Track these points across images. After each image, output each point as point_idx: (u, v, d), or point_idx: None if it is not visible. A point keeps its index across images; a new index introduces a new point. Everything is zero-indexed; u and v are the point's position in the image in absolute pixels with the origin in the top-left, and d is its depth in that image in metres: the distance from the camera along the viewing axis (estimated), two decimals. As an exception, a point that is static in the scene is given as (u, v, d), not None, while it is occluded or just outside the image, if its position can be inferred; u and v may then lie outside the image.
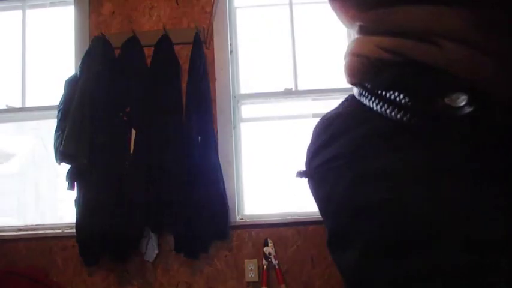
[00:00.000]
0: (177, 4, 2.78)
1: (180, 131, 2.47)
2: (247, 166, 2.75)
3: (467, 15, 0.41)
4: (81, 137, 2.41)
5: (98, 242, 2.41)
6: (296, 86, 2.81)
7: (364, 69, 0.50)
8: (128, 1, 2.81)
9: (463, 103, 0.40)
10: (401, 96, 0.43)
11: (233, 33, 2.85)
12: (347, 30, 2.85)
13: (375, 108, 0.46)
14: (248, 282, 2.55)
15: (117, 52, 2.63)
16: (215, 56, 2.72)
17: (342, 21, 0.57)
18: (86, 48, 2.66)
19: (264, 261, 2.52)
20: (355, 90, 0.53)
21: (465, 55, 0.41)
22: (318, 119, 0.58)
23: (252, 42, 2.92)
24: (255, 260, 2.55)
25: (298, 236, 2.57)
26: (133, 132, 2.50)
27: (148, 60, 2.61)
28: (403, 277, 0.36)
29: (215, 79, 2.69)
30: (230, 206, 2.53)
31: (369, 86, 0.48)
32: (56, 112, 2.60)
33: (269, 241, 2.54)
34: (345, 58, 0.55)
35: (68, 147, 2.40)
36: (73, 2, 2.85)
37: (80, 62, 2.60)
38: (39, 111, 2.91)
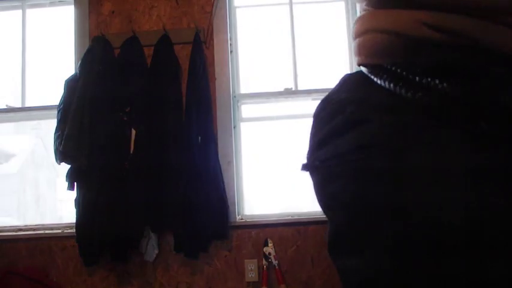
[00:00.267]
0: (177, 4, 2.78)
1: (180, 131, 2.47)
2: (247, 166, 2.75)
3: None
4: (81, 137, 2.41)
5: (97, 242, 2.41)
6: (296, 86, 2.81)
7: (394, 48, 0.42)
8: (128, 1, 2.81)
9: None
10: (450, 84, 0.36)
11: (233, 33, 2.85)
12: (347, 30, 2.85)
13: (404, 94, 0.39)
14: (248, 282, 2.55)
15: (117, 52, 2.63)
16: (215, 56, 2.72)
17: None
18: (86, 48, 2.65)
19: (264, 261, 2.52)
20: (364, 71, 0.46)
21: None
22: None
23: (252, 42, 2.92)
24: (255, 260, 2.55)
25: (298, 236, 2.57)
26: (133, 132, 2.50)
27: (148, 60, 2.61)
28: (445, 279, 0.34)
29: (215, 79, 2.69)
30: (230, 206, 2.53)
31: (397, 69, 0.41)
32: (55, 112, 2.59)
33: (269, 241, 2.54)
34: (358, 35, 0.48)
35: (67, 147, 2.40)
36: (73, 2, 2.84)
37: (79, 62, 2.60)
38: (39, 111, 2.91)
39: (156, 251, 2.53)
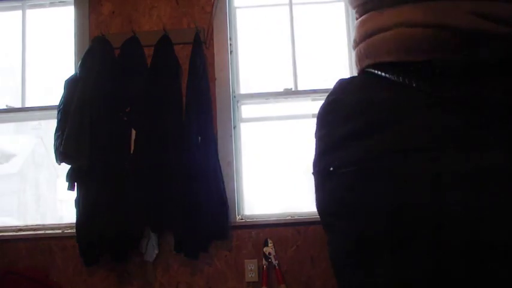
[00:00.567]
0: (177, 4, 2.78)
1: (180, 131, 2.48)
2: (247, 166, 2.75)
3: None
4: (81, 137, 2.41)
5: (98, 242, 2.41)
6: (296, 86, 2.81)
7: (439, 43, 0.38)
8: (128, 1, 2.81)
9: None
10: None
11: (233, 33, 2.85)
12: (347, 31, 2.85)
13: (450, 95, 0.36)
14: (248, 282, 2.55)
15: (117, 52, 2.63)
16: (215, 56, 2.72)
17: None
18: (86, 48, 2.66)
19: (264, 261, 2.52)
20: (376, 71, 0.42)
21: None
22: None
23: (252, 42, 2.92)
24: (255, 260, 2.55)
25: (298, 236, 2.57)
26: (133, 132, 2.50)
27: (149, 60, 2.61)
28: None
29: (215, 79, 2.69)
30: (230, 206, 2.53)
31: (447, 66, 0.37)
32: (56, 112, 2.60)
33: (269, 241, 2.54)
34: (366, 37, 0.44)
35: (68, 147, 2.40)
36: (73, 2, 2.85)
37: (80, 62, 2.60)
38: (39, 111, 2.91)
39: (156, 251, 2.53)
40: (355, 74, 0.52)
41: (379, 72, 0.43)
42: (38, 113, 2.94)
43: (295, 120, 2.82)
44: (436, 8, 0.38)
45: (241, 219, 2.65)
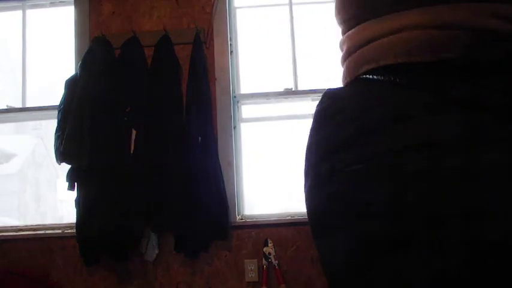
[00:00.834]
0: (177, 4, 2.78)
1: (180, 131, 2.48)
2: (247, 166, 2.76)
3: None
4: (81, 137, 2.42)
5: (98, 242, 2.41)
6: (296, 86, 2.81)
7: (447, 42, 0.38)
8: (128, 1, 2.81)
9: None
10: None
11: (233, 33, 2.85)
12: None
13: (470, 95, 0.36)
14: (248, 282, 2.55)
15: (117, 52, 2.63)
16: (215, 56, 2.72)
17: None
18: (86, 48, 2.66)
19: (264, 261, 2.52)
20: (378, 76, 0.42)
21: None
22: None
23: (252, 42, 2.93)
24: (255, 260, 2.55)
25: (298, 236, 2.57)
26: (134, 132, 2.50)
27: (149, 61, 2.61)
28: None
29: (215, 79, 2.70)
30: (230, 206, 2.53)
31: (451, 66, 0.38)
32: (56, 112, 2.60)
33: (269, 241, 2.54)
34: (361, 46, 0.44)
35: (68, 147, 2.40)
36: (73, 2, 2.85)
37: (80, 62, 2.60)
38: (40, 111, 2.91)
39: (156, 251, 2.53)
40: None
41: (379, 77, 0.42)
42: (38, 113, 2.94)
43: (295, 120, 2.82)
44: (445, 10, 0.39)
45: (241, 219, 2.65)
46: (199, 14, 2.76)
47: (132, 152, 2.48)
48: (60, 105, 2.58)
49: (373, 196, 0.38)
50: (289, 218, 2.60)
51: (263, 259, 2.53)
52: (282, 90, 2.79)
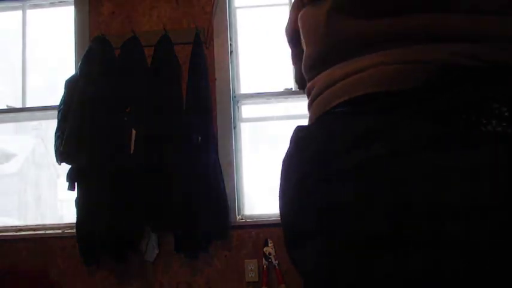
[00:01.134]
0: (177, 4, 2.78)
1: (180, 131, 2.48)
2: (247, 166, 2.76)
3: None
4: (81, 137, 2.42)
5: (98, 242, 2.41)
6: (296, 86, 2.81)
7: (415, 75, 0.43)
8: (128, 1, 2.81)
9: None
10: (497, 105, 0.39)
11: (233, 33, 2.85)
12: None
13: (420, 109, 0.41)
14: (248, 282, 2.55)
15: (117, 52, 2.63)
16: (215, 56, 2.72)
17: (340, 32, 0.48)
18: (86, 48, 2.66)
19: (264, 261, 2.52)
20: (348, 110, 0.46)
21: None
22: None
23: (252, 43, 2.93)
24: (255, 260, 2.55)
25: (298, 236, 2.56)
26: (134, 132, 2.50)
27: (149, 61, 2.61)
28: None
29: (215, 79, 2.70)
30: (230, 206, 2.53)
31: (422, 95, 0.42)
32: (56, 112, 2.60)
33: (269, 241, 2.54)
34: (357, 73, 0.47)
35: (68, 147, 2.40)
36: (73, 2, 2.85)
37: (80, 62, 2.61)
38: (40, 111, 2.92)
39: (156, 251, 2.53)
40: None
41: (345, 108, 0.47)
42: (38, 113, 2.95)
43: (295, 120, 2.82)
44: (408, 50, 0.43)
45: (241, 219, 2.65)
46: (199, 14, 2.76)
47: (132, 152, 2.48)
48: (60, 105, 2.59)
49: (340, 197, 0.43)
50: (289, 218, 2.59)
51: (263, 259, 2.53)
52: (282, 90, 2.79)
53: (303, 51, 0.57)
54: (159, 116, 2.49)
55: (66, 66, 2.84)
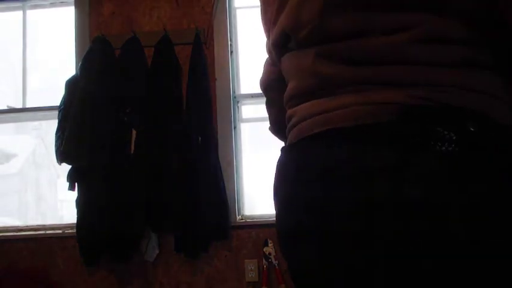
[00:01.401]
0: (178, 5, 2.78)
1: (180, 131, 2.48)
2: (247, 166, 2.76)
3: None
4: (81, 138, 2.42)
5: (98, 242, 2.41)
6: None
7: (386, 113, 0.54)
8: (128, 2, 2.81)
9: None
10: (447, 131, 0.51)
11: (233, 33, 2.85)
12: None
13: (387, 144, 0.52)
14: (248, 282, 2.55)
15: (117, 53, 2.63)
16: (215, 56, 2.72)
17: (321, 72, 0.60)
18: (87, 48, 2.66)
19: (264, 261, 2.53)
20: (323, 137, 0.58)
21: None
22: None
23: (252, 42, 2.93)
24: (255, 260, 2.56)
25: (298, 236, 2.57)
26: (134, 132, 2.51)
27: (149, 61, 2.61)
28: None
29: (215, 79, 2.70)
30: (230, 206, 2.53)
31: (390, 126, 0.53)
32: (56, 112, 2.60)
33: (269, 241, 2.54)
34: (303, 119, 0.61)
35: (68, 147, 2.41)
36: (73, 3, 2.85)
37: (80, 63, 2.61)
38: (40, 111, 2.92)
39: (157, 251, 2.53)
40: None
41: (322, 139, 0.58)
42: (38, 114, 2.95)
43: (295, 120, 2.82)
44: (373, 93, 0.55)
45: (241, 219, 2.65)
46: (199, 14, 2.77)
47: (132, 152, 2.48)
48: (60, 106, 2.59)
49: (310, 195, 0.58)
50: (289, 218, 2.60)
51: (263, 259, 2.53)
52: (282, 90, 2.79)
53: (277, 97, 0.74)
54: (159, 116, 2.49)
55: (67, 66, 2.84)
